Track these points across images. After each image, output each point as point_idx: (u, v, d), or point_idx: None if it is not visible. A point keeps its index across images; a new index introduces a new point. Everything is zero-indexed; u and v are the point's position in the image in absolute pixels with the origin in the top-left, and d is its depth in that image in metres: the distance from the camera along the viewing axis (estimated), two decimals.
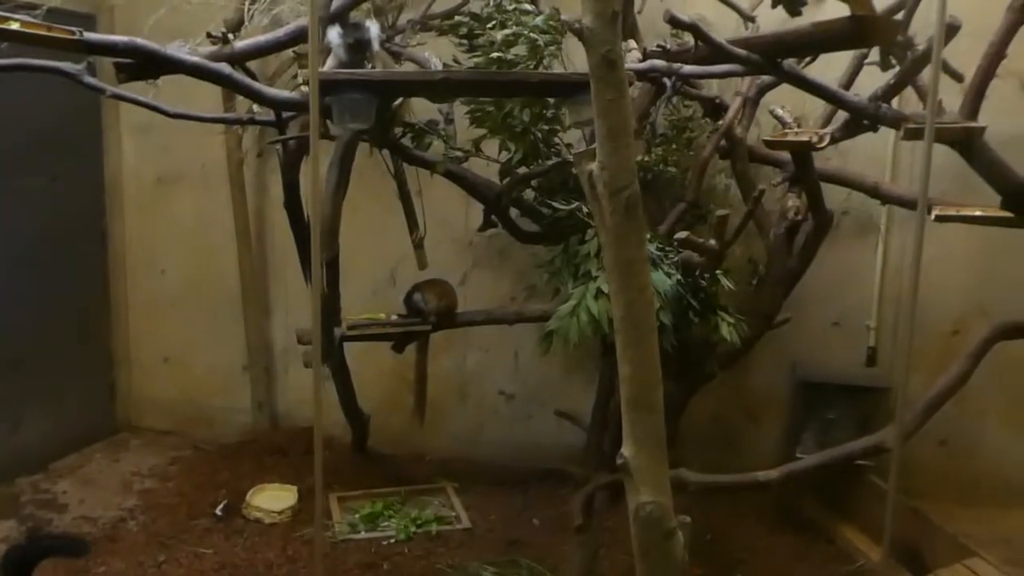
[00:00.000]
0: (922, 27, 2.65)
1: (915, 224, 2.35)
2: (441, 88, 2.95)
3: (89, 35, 2.50)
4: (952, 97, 2.82)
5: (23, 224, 4.43)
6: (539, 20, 3.16)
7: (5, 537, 3.88)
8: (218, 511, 4.10)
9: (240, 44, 2.95)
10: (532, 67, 3.09)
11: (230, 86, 3.00)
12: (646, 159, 3.63)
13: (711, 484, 2.96)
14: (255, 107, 3.73)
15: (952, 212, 3.04)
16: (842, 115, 3.16)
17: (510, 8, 3.21)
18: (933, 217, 3.01)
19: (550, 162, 3.32)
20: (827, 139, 2.96)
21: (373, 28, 3.06)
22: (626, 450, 1.92)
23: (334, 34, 3.03)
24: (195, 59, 2.79)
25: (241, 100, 4.15)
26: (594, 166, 1.88)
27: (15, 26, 2.40)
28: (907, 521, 3.51)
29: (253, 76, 3.16)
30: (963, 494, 3.91)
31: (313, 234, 2.42)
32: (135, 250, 5.13)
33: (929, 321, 3.98)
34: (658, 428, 1.92)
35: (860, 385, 4.03)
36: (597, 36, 1.78)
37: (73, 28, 2.47)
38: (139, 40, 2.58)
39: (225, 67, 2.86)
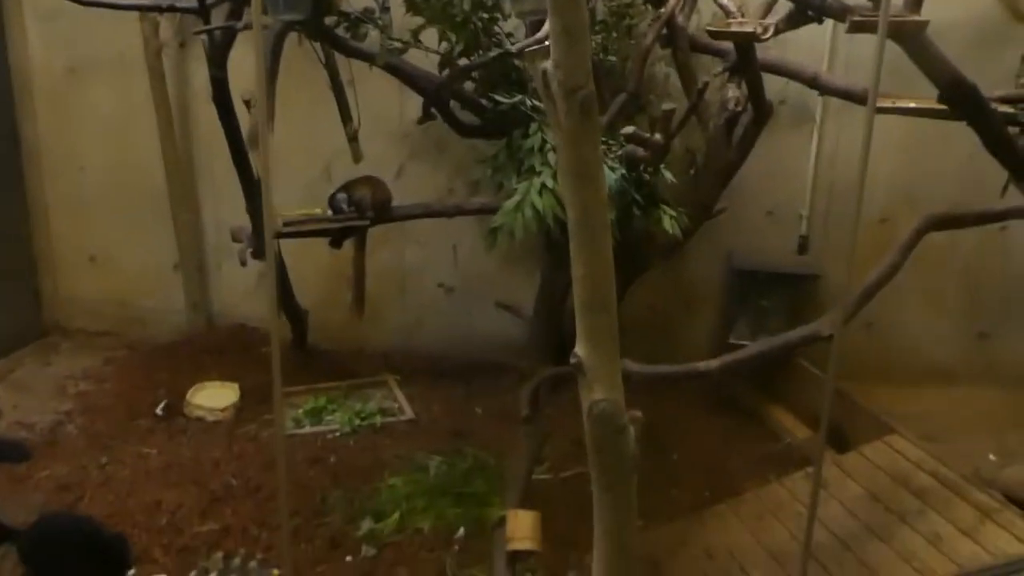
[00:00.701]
0: None
1: (864, 117, 2.36)
2: None
3: None
4: None
5: None
6: None
7: None
8: (159, 410, 4.07)
9: None
10: None
11: None
12: None
13: (653, 375, 3.04)
14: None
15: (888, 104, 3.08)
16: (784, 5, 3.14)
17: None
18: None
19: (492, 53, 3.22)
20: (771, 30, 2.94)
21: None
22: (580, 349, 1.94)
23: None
24: None
25: None
26: (548, 64, 1.83)
27: None
28: (833, 401, 3.69)
29: None
30: (886, 375, 4.11)
31: (261, 127, 2.33)
32: (50, 146, 4.87)
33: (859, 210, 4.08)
34: (611, 328, 1.95)
35: (791, 273, 4.16)
36: None
37: None
38: None
39: None
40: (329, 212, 3.92)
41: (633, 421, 2.03)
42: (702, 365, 3.02)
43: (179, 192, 4.76)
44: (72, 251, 5.02)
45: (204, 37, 3.23)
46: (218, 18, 3.42)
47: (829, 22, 3.38)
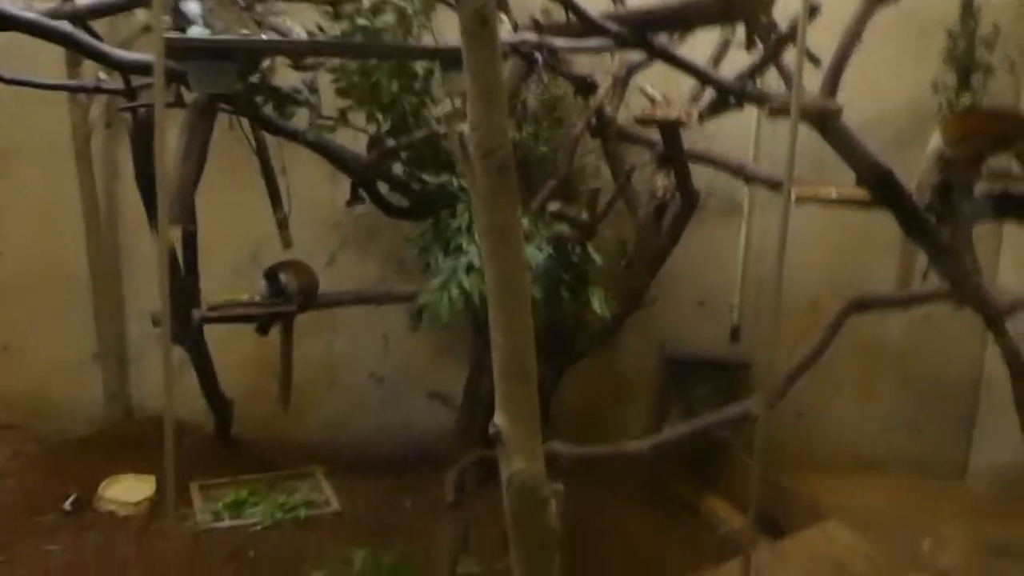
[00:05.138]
0: (784, 12, 2.74)
1: (781, 201, 2.42)
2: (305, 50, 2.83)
3: None
4: (811, 81, 2.92)
5: None
6: None
7: None
8: (67, 506, 3.83)
9: (83, 0, 2.76)
10: (401, 36, 3.01)
11: (72, 46, 2.80)
12: (517, 137, 3.61)
13: (583, 456, 2.97)
14: (102, 74, 3.51)
15: (810, 193, 3.16)
16: (709, 96, 3.23)
17: None
18: (792, 199, 3.11)
19: (418, 134, 3.24)
20: (695, 116, 3.01)
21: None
22: (499, 419, 1.89)
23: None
24: (32, 15, 2.59)
25: (88, 69, 3.88)
26: (465, 127, 1.83)
27: None
28: (766, 490, 3.63)
29: (99, 38, 2.97)
30: (819, 464, 4.09)
31: (161, 208, 2.27)
32: None
33: (787, 299, 4.10)
34: (531, 397, 1.89)
35: (724, 361, 4.16)
36: None
37: None
38: None
39: (66, 25, 2.67)
40: (263, 291, 3.82)
41: (555, 494, 1.95)
42: (632, 445, 2.96)
43: (102, 282, 4.62)
44: None
45: (128, 115, 3.19)
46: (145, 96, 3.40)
47: (755, 114, 3.49)
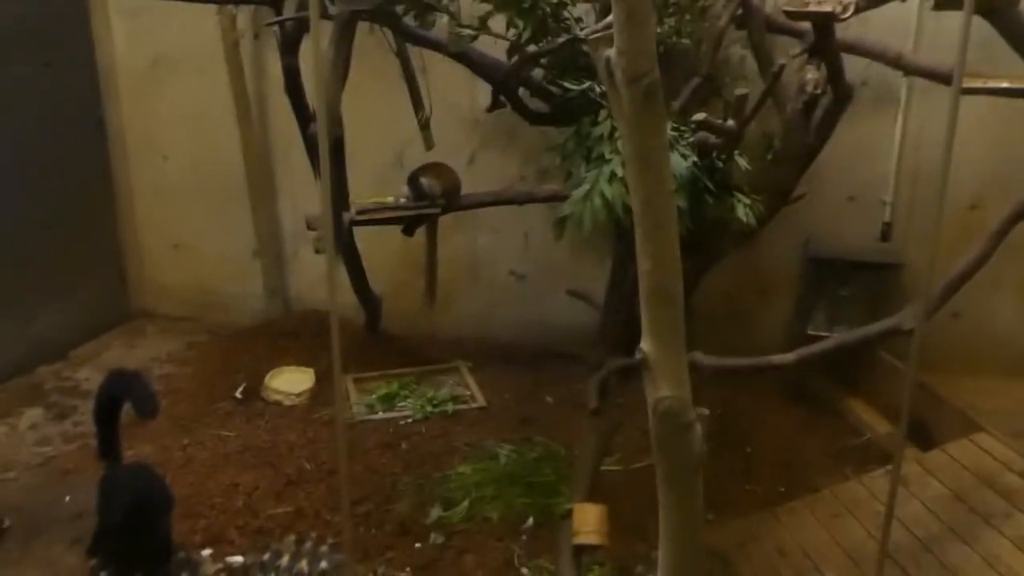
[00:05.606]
0: None
1: (948, 94, 2.24)
2: None
3: None
4: None
5: (20, 113, 4.33)
6: None
7: (34, 424, 4.00)
8: (238, 394, 4.18)
9: None
10: None
11: None
12: (658, 30, 3.48)
13: (726, 368, 2.97)
14: None
15: (979, 84, 2.92)
16: None
17: None
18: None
19: (560, 39, 3.17)
20: (851, 9, 2.81)
21: None
22: (645, 344, 1.90)
23: None
24: None
25: None
26: (611, 52, 1.78)
27: None
28: (915, 395, 3.54)
29: None
30: (974, 367, 3.91)
31: (319, 117, 2.34)
32: (135, 137, 5.04)
33: (947, 196, 3.90)
34: (677, 322, 1.90)
35: (873, 261, 4.00)
36: None
37: None
38: None
39: None
40: (406, 195, 3.93)
41: (699, 418, 1.98)
42: (777, 358, 2.92)
43: (257, 181, 4.86)
44: (156, 238, 5.19)
45: (276, 28, 3.26)
46: (290, 9, 3.47)
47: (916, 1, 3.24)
